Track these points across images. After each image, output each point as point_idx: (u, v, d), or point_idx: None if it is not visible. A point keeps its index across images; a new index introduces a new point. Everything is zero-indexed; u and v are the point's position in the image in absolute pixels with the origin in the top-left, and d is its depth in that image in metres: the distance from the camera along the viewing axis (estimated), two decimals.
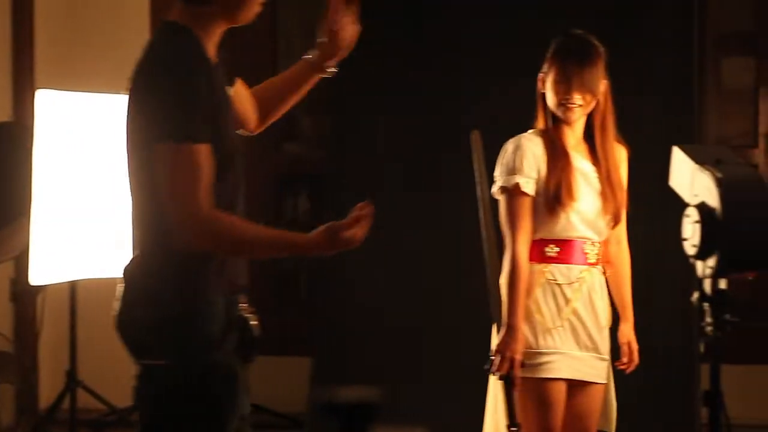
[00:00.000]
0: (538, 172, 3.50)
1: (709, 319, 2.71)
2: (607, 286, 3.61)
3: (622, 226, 3.61)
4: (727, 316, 2.71)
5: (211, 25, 2.70)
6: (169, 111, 2.60)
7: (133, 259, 2.79)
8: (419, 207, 5.21)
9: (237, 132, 2.85)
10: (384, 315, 5.28)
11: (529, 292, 3.50)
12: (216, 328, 2.68)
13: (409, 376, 5.05)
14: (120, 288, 2.76)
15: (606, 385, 3.59)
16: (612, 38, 3.62)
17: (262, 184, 5.99)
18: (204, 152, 2.60)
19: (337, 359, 5.31)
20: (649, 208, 3.75)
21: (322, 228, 2.66)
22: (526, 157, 3.51)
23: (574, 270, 3.50)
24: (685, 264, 2.78)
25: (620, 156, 3.61)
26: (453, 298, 4.99)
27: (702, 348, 2.73)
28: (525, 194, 3.50)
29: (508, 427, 3.46)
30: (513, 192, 3.51)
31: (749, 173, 2.85)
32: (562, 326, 3.49)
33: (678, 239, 2.79)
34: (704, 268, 2.72)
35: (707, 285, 2.73)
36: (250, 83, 3.01)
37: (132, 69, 2.83)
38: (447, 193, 5.02)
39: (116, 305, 2.75)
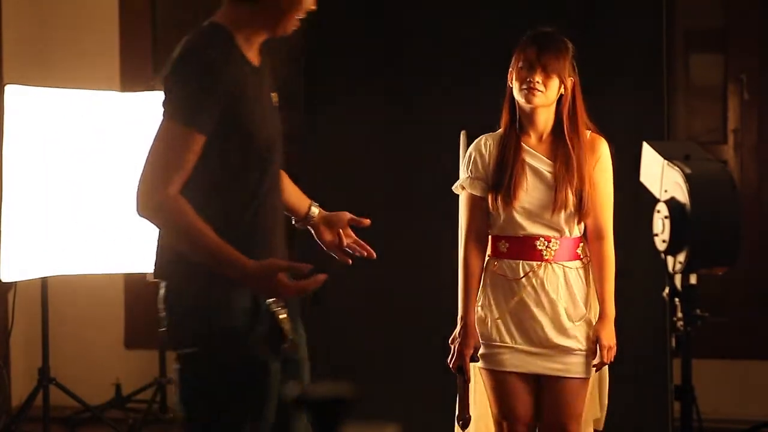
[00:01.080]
0: (486, 173, 3.59)
1: (679, 314, 2.73)
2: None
3: (604, 221, 3.60)
4: (698, 311, 2.73)
5: (250, 30, 2.83)
6: (182, 94, 2.73)
7: (160, 251, 2.87)
8: (393, 206, 5.22)
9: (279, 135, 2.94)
10: (357, 311, 5.28)
11: (485, 285, 3.60)
12: (240, 320, 2.77)
13: (382, 372, 5.06)
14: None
15: (588, 380, 3.60)
16: (581, 34, 3.64)
17: None
18: (198, 142, 2.71)
19: (310, 355, 5.31)
20: (620, 204, 3.76)
21: (263, 261, 2.72)
22: (474, 158, 3.62)
23: (523, 266, 3.55)
24: (657, 259, 2.80)
25: (600, 149, 3.61)
26: (428, 296, 5.00)
27: (673, 343, 2.75)
28: (471, 194, 3.61)
29: (457, 418, 3.55)
30: (462, 191, 3.64)
31: (718, 169, 2.87)
32: (510, 319, 3.55)
33: (649, 234, 2.81)
34: (674, 263, 2.74)
35: (678, 280, 2.75)
36: None
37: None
38: (422, 191, 5.02)
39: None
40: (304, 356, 3.01)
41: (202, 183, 2.75)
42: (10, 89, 4.84)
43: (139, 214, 2.74)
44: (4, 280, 4.85)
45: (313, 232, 3.20)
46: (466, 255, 3.60)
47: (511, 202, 3.54)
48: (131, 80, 5.97)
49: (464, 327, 3.56)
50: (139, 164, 2.74)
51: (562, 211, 3.54)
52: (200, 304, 2.78)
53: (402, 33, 5.20)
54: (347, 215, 3.18)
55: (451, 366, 3.58)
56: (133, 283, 6.03)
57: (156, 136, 2.75)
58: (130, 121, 5.21)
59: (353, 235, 3.21)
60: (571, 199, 3.53)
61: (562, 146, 3.56)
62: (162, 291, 2.85)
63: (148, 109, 5.28)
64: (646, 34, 5.03)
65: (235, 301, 2.77)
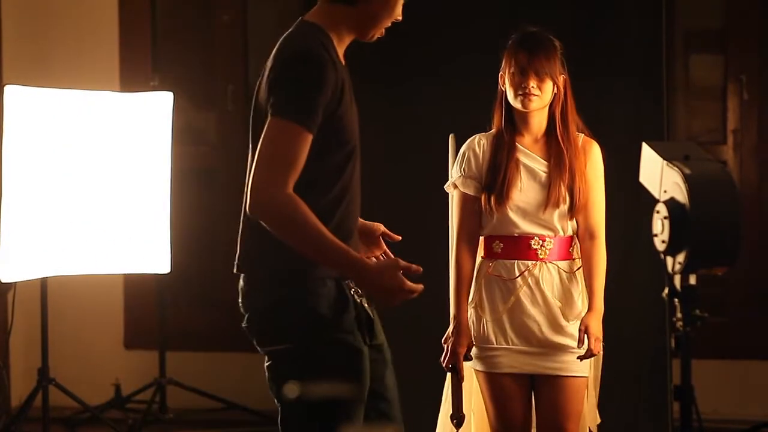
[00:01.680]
0: (480, 172, 3.59)
1: (679, 315, 2.73)
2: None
3: (596, 221, 3.59)
4: (697, 312, 2.73)
5: (343, 30, 2.87)
6: (294, 93, 2.75)
7: (244, 243, 2.89)
8: (395, 209, 5.22)
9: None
10: None
11: (479, 286, 3.59)
12: (328, 309, 2.80)
13: None
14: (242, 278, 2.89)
15: (585, 378, 3.60)
16: (581, 35, 3.64)
17: (238, 187, 5.98)
18: (308, 141, 2.74)
19: None
20: (620, 204, 3.76)
21: (383, 261, 2.83)
22: (468, 157, 3.62)
23: (518, 265, 3.55)
24: (657, 259, 2.80)
25: (591, 151, 3.61)
26: (429, 295, 5.00)
27: (672, 343, 2.75)
28: (464, 193, 3.60)
29: (451, 417, 3.56)
30: (454, 189, 3.63)
31: (717, 169, 2.87)
32: (506, 320, 3.55)
33: (649, 234, 2.81)
34: (674, 263, 2.74)
35: (677, 280, 2.75)
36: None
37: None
38: (422, 191, 5.02)
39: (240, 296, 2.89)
40: (383, 340, 3.02)
41: (302, 181, 2.75)
42: (9, 89, 4.84)
43: (254, 212, 2.74)
44: (3, 280, 4.85)
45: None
46: (457, 254, 3.60)
47: (504, 201, 3.54)
48: (131, 81, 5.97)
49: (457, 326, 3.56)
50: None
51: (556, 209, 3.54)
52: (288, 298, 2.80)
53: (402, 33, 5.20)
54: (381, 228, 3.20)
55: (444, 365, 3.58)
56: (132, 283, 6.03)
57: (268, 133, 2.74)
58: (129, 121, 5.21)
59: (384, 246, 3.23)
60: (563, 195, 3.53)
61: (555, 144, 3.57)
62: (243, 285, 2.86)
63: (147, 109, 5.29)
64: (646, 34, 5.03)
65: (323, 292, 2.80)
